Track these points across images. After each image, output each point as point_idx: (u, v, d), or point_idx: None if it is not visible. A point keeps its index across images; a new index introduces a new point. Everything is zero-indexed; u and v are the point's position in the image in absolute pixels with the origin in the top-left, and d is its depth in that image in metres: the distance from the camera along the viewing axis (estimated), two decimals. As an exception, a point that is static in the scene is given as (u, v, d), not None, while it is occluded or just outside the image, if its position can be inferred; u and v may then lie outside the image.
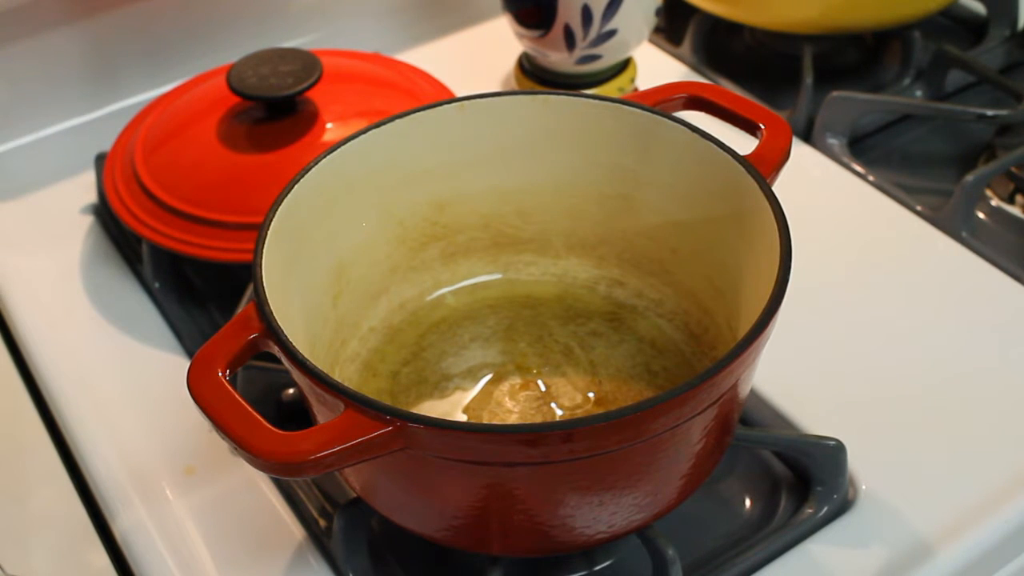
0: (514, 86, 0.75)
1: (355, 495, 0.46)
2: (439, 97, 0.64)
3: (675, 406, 0.37)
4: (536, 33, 0.69)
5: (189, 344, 0.58)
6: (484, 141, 0.51)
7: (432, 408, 0.49)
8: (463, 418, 0.49)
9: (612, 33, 0.68)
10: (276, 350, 0.40)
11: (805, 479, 0.50)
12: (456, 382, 0.51)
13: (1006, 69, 0.77)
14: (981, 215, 0.65)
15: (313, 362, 0.39)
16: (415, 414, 0.37)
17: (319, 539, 0.49)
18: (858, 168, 0.67)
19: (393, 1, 0.82)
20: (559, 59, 0.70)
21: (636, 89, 0.74)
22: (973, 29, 0.82)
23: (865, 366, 0.55)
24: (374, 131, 0.49)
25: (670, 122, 0.48)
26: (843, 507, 0.49)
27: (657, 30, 0.81)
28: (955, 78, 0.74)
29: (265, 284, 0.41)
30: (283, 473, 0.37)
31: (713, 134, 0.47)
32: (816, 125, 0.70)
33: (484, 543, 0.44)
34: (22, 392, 0.58)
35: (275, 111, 0.61)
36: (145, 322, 0.60)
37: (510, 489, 0.39)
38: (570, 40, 0.68)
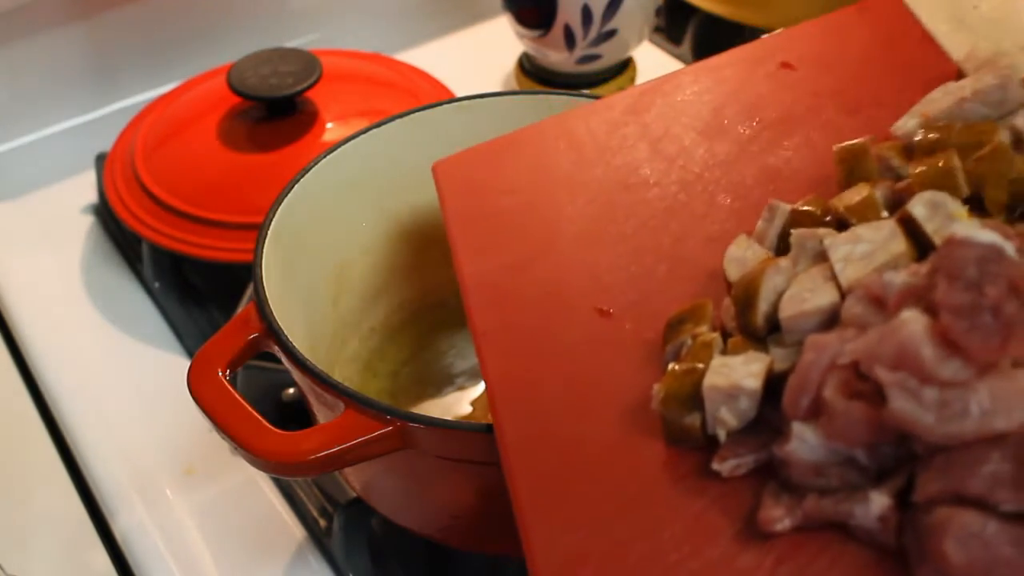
0: (514, 86, 0.75)
1: (355, 495, 0.46)
2: (439, 97, 0.64)
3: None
4: (536, 33, 0.69)
5: (189, 344, 0.58)
6: (484, 141, 0.51)
7: (432, 408, 0.49)
8: (464, 415, 0.49)
9: (612, 33, 0.68)
10: (276, 350, 0.40)
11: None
12: (456, 382, 0.51)
13: (1006, 69, 0.77)
14: (981, 215, 0.65)
15: (313, 362, 0.39)
16: (415, 414, 0.37)
17: (319, 539, 0.49)
18: (858, 168, 0.67)
19: (393, 1, 0.82)
20: (559, 59, 0.70)
21: (636, 89, 0.74)
22: (973, 29, 0.82)
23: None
24: (374, 131, 0.49)
25: (670, 122, 0.48)
26: (843, 507, 0.49)
27: (657, 30, 0.81)
28: (955, 78, 0.74)
29: (265, 284, 0.41)
30: (283, 473, 0.37)
31: (713, 134, 0.47)
32: (816, 125, 0.70)
33: (484, 543, 0.44)
34: (22, 392, 0.58)
35: (275, 111, 0.61)
36: (145, 322, 0.60)
37: (510, 489, 0.39)
38: (570, 40, 0.68)
